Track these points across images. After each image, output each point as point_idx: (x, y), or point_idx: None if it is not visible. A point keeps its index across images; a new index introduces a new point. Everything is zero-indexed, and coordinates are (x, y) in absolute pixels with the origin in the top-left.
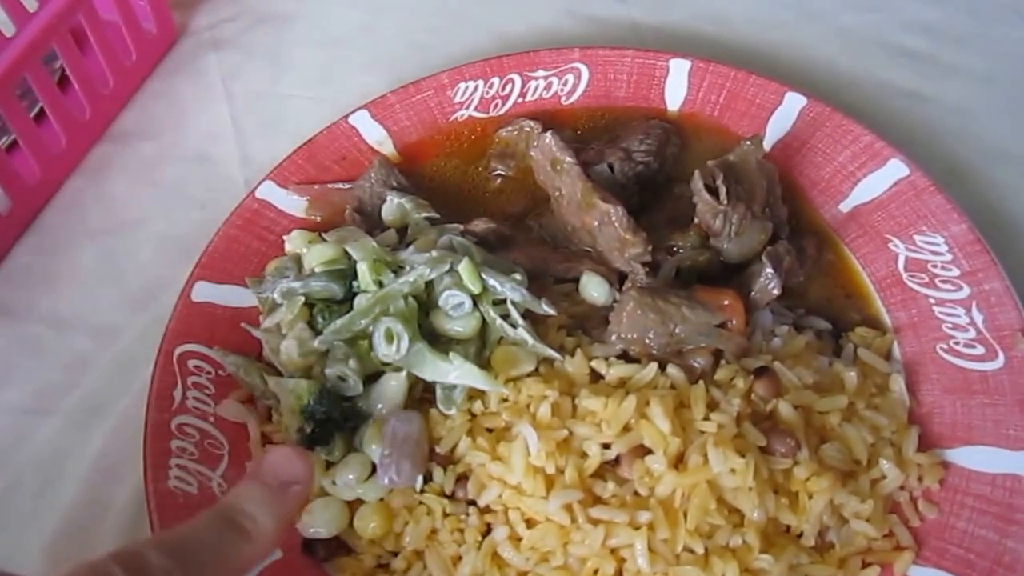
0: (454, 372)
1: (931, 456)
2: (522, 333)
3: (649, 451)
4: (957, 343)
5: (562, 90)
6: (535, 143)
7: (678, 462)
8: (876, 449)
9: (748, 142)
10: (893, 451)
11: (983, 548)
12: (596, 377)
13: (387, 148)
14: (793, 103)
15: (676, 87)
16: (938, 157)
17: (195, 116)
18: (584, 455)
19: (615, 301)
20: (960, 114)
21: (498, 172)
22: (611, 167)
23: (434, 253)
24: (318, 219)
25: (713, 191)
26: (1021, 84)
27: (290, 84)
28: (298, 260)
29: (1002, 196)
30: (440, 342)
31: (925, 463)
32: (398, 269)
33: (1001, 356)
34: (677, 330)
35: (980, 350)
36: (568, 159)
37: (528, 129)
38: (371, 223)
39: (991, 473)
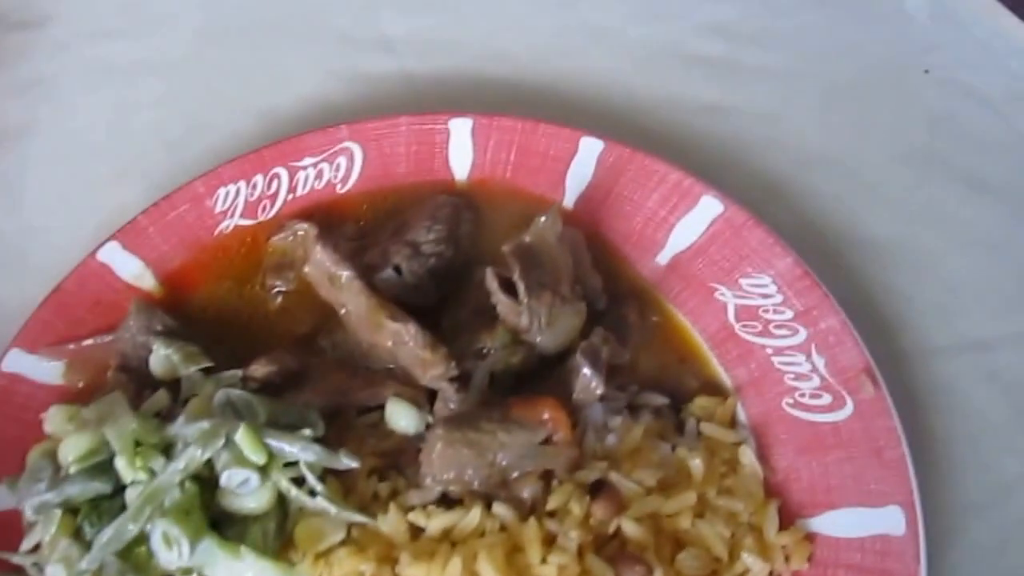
0: (248, 572)
1: (795, 532)
2: (321, 503)
3: None
4: (803, 395)
5: (335, 176)
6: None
7: None
8: (736, 540)
9: (543, 218)
10: (754, 537)
11: None
12: (416, 530)
13: (147, 281)
14: (590, 149)
15: (461, 151)
16: (752, 173)
17: None
18: None
19: (429, 425)
20: (767, 122)
21: (278, 288)
22: (398, 269)
23: (206, 424)
24: (80, 385)
25: (511, 287)
26: (824, 77)
27: (32, 213)
28: (53, 455)
29: (822, 206)
30: (234, 521)
31: (789, 542)
32: (169, 447)
33: (849, 402)
34: (498, 458)
35: (827, 399)
36: (346, 273)
37: (303, 233)
38: (140, 379)
39: (859, 537)
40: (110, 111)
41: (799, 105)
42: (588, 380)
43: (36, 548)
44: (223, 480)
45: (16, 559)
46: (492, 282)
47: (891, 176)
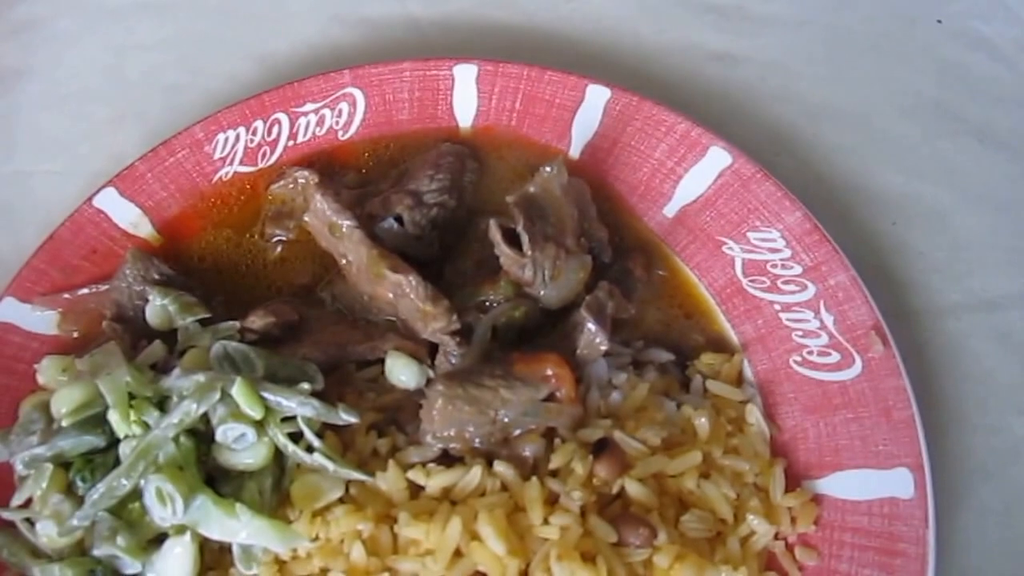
0: (243, 531)
1: (801, 494)
2: (319, 459)
3: None
4: (811, 352)
5: (337, 123)
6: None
7: None
8: (741, 501)
9: (548, 168)
10: (760, 498)
11: None
12: (416, 488)
13: (144, 229)
14: (597, 97)
15: (465, 98)
16: (761, 124)
17: None
18: None
19: (429, 380)
20: (777, 71)
21: (277, 237)
22: (400, 220)
23: (201, 377)
24: (75, 334)
25: (515, 238)
26: (835, 26)
27: (26, 158)
28: (46, 408)
29: (832, 158)
30: (230, 477)
31: (796, 504)
32: (164, 400)
33: (858, 361)
34: (500, 415)
35: (835, 357)
36: (347, 222)
37: (303, 181)
38: (136, 329)
39: (866, 500)
40: (106, 55)
41: (809, 54)
42: (592, 335)
43: (27, 503)
44: (219, 435)
45: (6, 514)
46: (495, 233)
47: (902, 129)
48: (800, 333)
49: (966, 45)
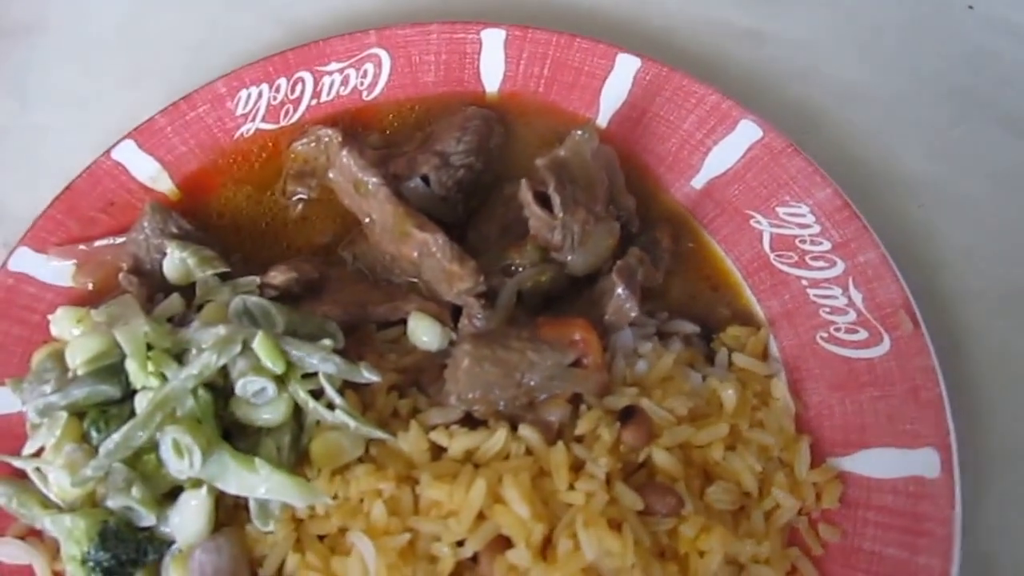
0: (263, 486)
1: (826, 471)
2: (341, 416)
3: (511, 542)
4: (838, 329)
5: (362, 83)
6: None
7: (546, 549)
8: (767, 475)
9: (579, 132)
10: (784, 473)
11: (893, 570)
12: (438, 450)
13: (163, 184)
14: (626, 66)
15: (493, 63)
16: (790, 104)
17: None
18: (434, 559)
19: (452, 342)
20: (806, 51)
21: (299, 195)
22: (426, 180)
23: (222, 330)
24: (90, 286)
25: (545, 200)
26: (866, 8)
27: (42, 112)
28: (60, 357)
29: (858, 139)
30: (247, 433)
31: (821, 480)
32: (182, 353)
33: (886, 339)
34: (525, 379)
35: (863, 335)
36: (373, 180)
37: (327, 139)
38: (152, 283)
39: (892, 479)
40: (126, 10)
41: (840, 36)
42: (622, 300)
43: (39, 452)
44: (238, 389)
45: (17, 462)
46: (526, 194)
47: (929, 112)
48: (828, 310)
49: (996, 32)
